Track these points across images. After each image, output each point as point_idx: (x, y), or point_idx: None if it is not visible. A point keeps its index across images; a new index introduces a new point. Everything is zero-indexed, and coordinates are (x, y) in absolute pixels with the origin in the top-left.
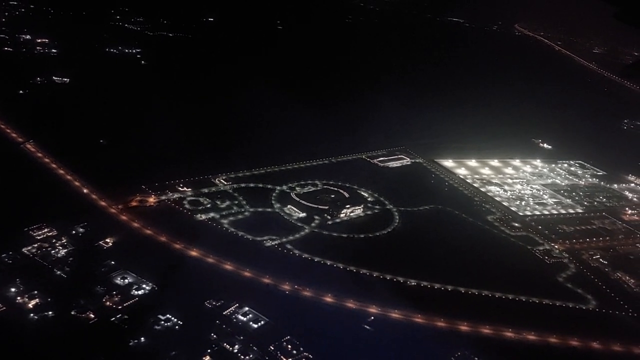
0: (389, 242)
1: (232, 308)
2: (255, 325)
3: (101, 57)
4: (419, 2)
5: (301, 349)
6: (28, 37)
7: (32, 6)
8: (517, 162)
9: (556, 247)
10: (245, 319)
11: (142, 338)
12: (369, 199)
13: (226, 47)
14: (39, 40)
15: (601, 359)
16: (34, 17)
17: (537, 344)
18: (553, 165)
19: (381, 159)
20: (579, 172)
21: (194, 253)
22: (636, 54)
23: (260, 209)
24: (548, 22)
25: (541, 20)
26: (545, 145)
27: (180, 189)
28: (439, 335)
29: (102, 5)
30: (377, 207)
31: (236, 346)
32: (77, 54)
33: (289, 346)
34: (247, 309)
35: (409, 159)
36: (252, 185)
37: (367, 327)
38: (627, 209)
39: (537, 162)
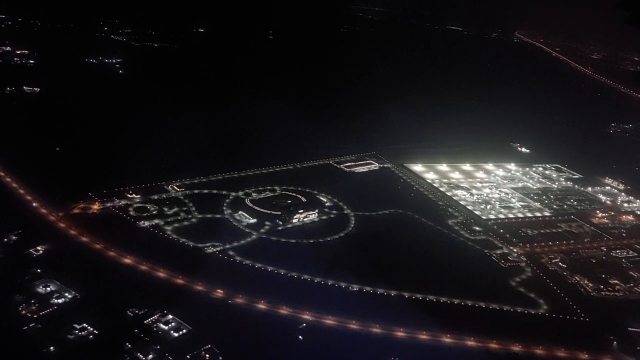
0: (339, 248)
1: (155, 316)
2: (176, 334)
3: (78, 67)
4: (419, 11)
5: (220, 358)
6: (8, 48)
7: (19, 19)
8: (490, 166)
9: (515, 250)
10: (166, 327)
11: (52, 347)
12: (327, 204)
13: (207, 57)
14: (18, 52)
15: None
16: (19, 29)
17: (475, 349)
18: (527, 169)
19: (348, 164)
20: (553, 175)
21: (127, 260)
22: (637, 58)
23: (209, 215)
24: (550, 29)
25: (543, 28)
26: (524, 149)
27: (129, 195)
28: (372, 342)
29: (91, 18)
30: (334, 212)
31: (150, 356)
32: (55, 64)
33: (207, 355)
34: (170, 317)
35: (377, 164)
36: (206, 191)
37: (300, 338)
38: (598, 212)
39: (511, 166)
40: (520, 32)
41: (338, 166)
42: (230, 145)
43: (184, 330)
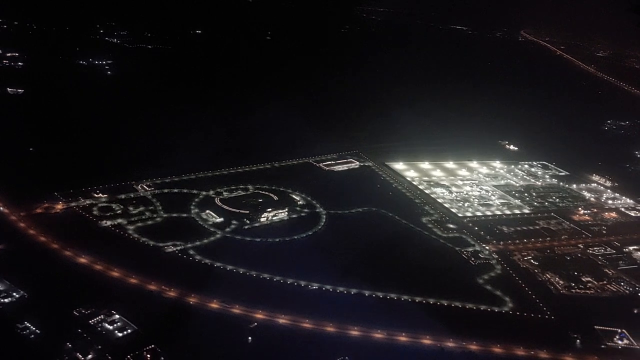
0: (305, 246)
1: (101, 316)
2: (120, 334)
3: (67, 69)
4: (424, 11)
5: (162, 358)
6: None
7: (15, 23)
8: (474, 164)
9: (487, 248)
10: (111, 327)
11: None
12: (300, 202)
13: (198, 58)
14: (9, 54)
15: None
16: (14, 32)
17: (430, 348)
18: (512, 166)
19: (328, 162)
20: (539, 172)
21: (82, 260)
22: None
23: (175, 215)
24: (558, 27)
25: (550, 26)
26: (512, 147)
27: (95, 195)
28: (325, 341)
29: (87, 21)
30: (306, 210)
31: (89, 356)
32: (44, 66)
33: (149, 355)
34: (117, 316)
35: (357, 163)
36: (176, 190)
37: (249, 339)
38: (580, 209)
39: (496, 164)
40: (527, 30)
41: (317, 165)
42: (210, 144)
43: (129, 330)
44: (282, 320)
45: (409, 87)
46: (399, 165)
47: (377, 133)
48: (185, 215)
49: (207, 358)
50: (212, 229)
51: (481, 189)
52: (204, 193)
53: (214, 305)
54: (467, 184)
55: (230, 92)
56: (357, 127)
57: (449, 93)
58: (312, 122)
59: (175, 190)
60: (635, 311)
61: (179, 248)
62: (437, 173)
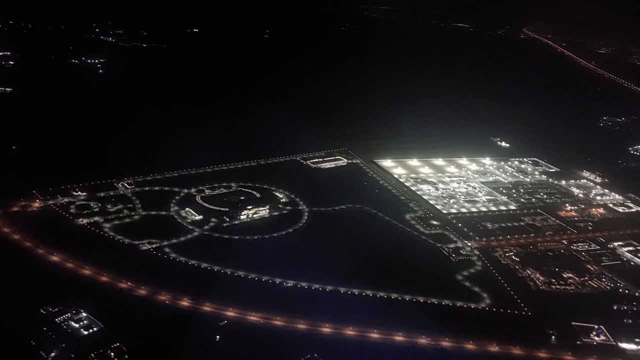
0: (283, 243)
1: (68, 314)
2: (86, 332)
3: (58, 68)
4: (426, 9)
5: (126, 356)
6: None
7: (10, 22)
8: (463, 161)
9: (469, 244)
10: (77, 325)
11: None
12: (283, 200)
13: (192, 56)
14: (0, 54)
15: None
16: (8, 32)
17: (402, 344)
18: (502, 163)
19: (315, 160)
20: (529, 169)
21: (54, 258)
22: None
23: (153, 213)
24: (561, 25)
25: (553, 24)
26: (503, 144)
27: (74, 193)
28: (295, 338)
29: (84, 20)
30: (288, 207)
31: (52, 354)
32: (35, 65)
33: (113, 353)
34: (84, 314)
35: (345, 160)
36: (157, 188)
37: (217, 337)
38: (567, 205)
39: (486, 160)
40: (529, 28)
41: (305, 162)
42: (196, 142)
43: (95, 329)
44: (254, 317)
45: (406, 85)
46: (387, 163)
47: (367, 130)
48: (164, 213)
49: (173, 356)
50: (190, 227)
51: (468, 185)
52: (186, 191)
53: (184, 303)
54: (455, 181)
55: (222, 90)
56: (347, 125)
57: (446, 90)
58: (302, 119)
59: (157, 188)
60: (614, 307)
61: (154, 246)
62: (425, 170)
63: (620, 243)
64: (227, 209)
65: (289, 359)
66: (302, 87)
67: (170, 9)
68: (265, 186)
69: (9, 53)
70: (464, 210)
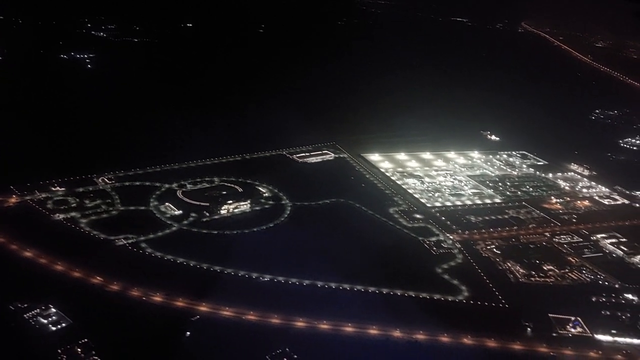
0: (263, 238)
1: (37, 310)
2: (54, 328)
3: (45, 63)
4: (425, 3)
5: (93, 352)
6: None
7: (1, 17)
8: (451, 154)
9: (451, 237)
10: (45, 321)
11: None
12: (265, 194)
13: (182, 51)
14: None
15: (444, 352)
16: None
17: (375, 338)
18: (491, 156)
19: (301, 154)
20: (517, 162)
21: (27, 254)
22: None
23: (132, 208)
24: (559, 19)
25: (552, 18)
26: (493, 137)
27: (52, 188)
28: (267, 332)
29: (75, 15)
30: (271, 202)
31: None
32: (22, 60)
33: (79, 349)
34: (53, 310)
35: (332, 155)
36: (137, 183)
37: (187, 333)
38: (552, 198)
39: (474, 154)
40: (527, 22)
41: (291, 157)
42: (180, 136)
43: (64, 324)
44: (227, 312)
45: (401, 78)
46: (374, 157)
47: (358, 124)
48: (143, 208)
49: (142, 351)
50: (168, 222)
51: (455, 179)
52: (167, 186)
53: (157, 298)
54: (441, 175)
55: (210, 85)
56: (337, 119)
57: (441, 84)
58: (292, 114)
59: (137, 183)
60: (593, 299)
61: (130, 241)
62: (413, 164)
63: (604, 235)
64: (208, 204)
65: (261, 353)
66: (294, 81)
67: (164, 3)
68: (248, 181)
69: None
70: (448, 203)
